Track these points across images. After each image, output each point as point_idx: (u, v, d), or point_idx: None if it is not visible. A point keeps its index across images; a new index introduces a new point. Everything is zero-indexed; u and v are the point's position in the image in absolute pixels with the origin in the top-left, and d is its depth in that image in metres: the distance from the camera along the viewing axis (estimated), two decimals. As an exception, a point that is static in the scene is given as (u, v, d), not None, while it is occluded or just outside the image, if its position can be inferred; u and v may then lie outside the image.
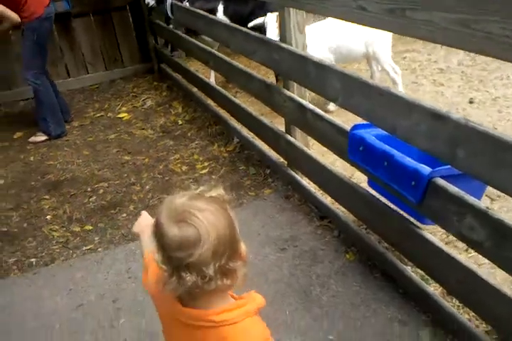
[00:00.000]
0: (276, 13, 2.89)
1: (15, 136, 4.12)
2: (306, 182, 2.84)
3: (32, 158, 3.74)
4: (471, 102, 3.81)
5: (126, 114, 4.37)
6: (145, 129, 4.05)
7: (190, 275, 0.91)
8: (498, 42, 1.26)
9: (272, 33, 3.21)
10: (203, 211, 0.92)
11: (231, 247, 0.95)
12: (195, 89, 4.29)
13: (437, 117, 1.56)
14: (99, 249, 2.63)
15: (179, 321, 1.00)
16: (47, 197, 3.19)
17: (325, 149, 2.85)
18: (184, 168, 3.39)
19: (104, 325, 2.11)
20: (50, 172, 3.51)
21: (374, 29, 1.85)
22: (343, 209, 2.54)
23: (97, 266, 2.48)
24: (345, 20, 1.89)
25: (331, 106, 3.73)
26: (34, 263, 2.56)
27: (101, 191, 3.20)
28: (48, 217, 2.97)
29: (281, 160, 3.07)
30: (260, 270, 2.35)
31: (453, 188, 1.64)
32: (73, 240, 2.73)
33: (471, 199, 1.58)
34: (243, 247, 1.01)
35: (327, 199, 2.68)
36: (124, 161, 3.57)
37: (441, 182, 1.69)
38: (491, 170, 1.42)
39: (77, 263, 2.52)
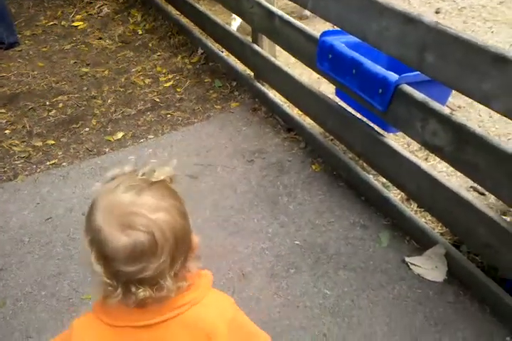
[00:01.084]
0: None
1: (-39, 47, 3.82)
2: (273, 94, 2.79)
3: (-19, 71, 3.51)
4: (437, 12, 3.74)
5: (81, 23, 4.07)
6: (103, 39, 3.81)
7: (143, 289, 0.74)
8: None
9: None
10: (157, 211, 0.72)
11: (187, 246, 0.78)
12: (154, -4, 4.00)
13: (408, 21, 1.51)
14: (64, 164, 2.58)
15: (133, 328, 0.79)
16: (3, 110, 3.04)
17: (291, 61, 2.79)
18: (147, 80, 3.26)
19: (74, 237, 2.13)
20: (4, 84, 3.31)
21: None
22: (310, 121, 2.54)
23: (63, 180, 2.46)
24: None
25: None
26: (-4, 178, 2.51)
27: (60, 105, 3.07)
28: (7, 131, 2.85)
29: (248, 72, 2.98)
30: (229, 181, 2.38)
31: (418, 94, 1.65)
32: (36, 155, 2.66)
33: (435, 104, 1.60)
34: (195, 239, 0.83)
35: (294, 112, 2.66)
36: (83, 73, 3.39)
37: (407, 88, 1.69)
38: (458, 74, 1.42)
39: (42, 178, 2.48)
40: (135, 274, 0.72)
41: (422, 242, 1.98)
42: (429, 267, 1.89)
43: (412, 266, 1.92)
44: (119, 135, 2.75)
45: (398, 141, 2.45)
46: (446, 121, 1.56)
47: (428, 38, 1.46)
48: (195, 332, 0.81)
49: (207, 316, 0.82)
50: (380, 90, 1.76)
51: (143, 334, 0.80)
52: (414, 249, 1.98)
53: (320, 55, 2.02)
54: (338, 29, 1.95)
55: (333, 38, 1.98)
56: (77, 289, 1.89)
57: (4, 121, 2.95)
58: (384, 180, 2.17)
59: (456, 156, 1.58)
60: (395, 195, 2.17)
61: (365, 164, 2.29)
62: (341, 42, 1.98)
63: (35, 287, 1.91)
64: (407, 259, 1.94)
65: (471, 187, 2.25)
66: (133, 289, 0.73)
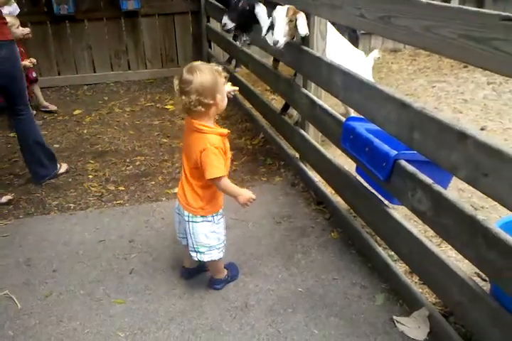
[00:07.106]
0: (287, 7, 2.78)
1: (74, 113, 4.74)
2: (311, 173, 3.23)
3: (85, 131, 4.33)
4: (482, 129, 4.09)
5: (172, 106, 4.92)
6: (184, 120, 4.56)
7: (184, 97, 1.85)
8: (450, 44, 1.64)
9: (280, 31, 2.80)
10: (201, 71, 1.86)
11: (209, 93, 1.86)
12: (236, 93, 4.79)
13: (403, 106, 1.94)
14: (127, 204, 3.11)
15: (188, 127, 2.01)
16: (92, 161, 3.74)
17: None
18: (212, 153, 3.85)
19: (118, 257, 2.57)
20: (98, 143, 4.08)
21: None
22: (339, 198, 2.90)
23: (122, 215, 2.96)
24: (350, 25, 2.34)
25: None
26: (72, 207, 3.07)
27: (137, 163, 3.71)
28: (90, 176, 3.50)
29: (295, 153, 3.48)
30: (255, 234, 2.75)
31: (411, 168, 2.01)
32: (107, 195, 3.22)
33: (422, 176, 1.94)
34: (219, 97, 1.91)
35: (326, 189, 3.05)
36: (162, 143, 4.08)
37: (403, 163, 2.05)
38: (436, 149, 1.79)
39: (107, 212, 3.00)
40: (184, 88, 1.85)
41: (414, 308, 2.16)
42: (412, 326, 2.07)
43: (397, 324, 2.10)
44: (176, 189, 3.26)
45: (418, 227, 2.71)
46: (428, 190, 1.88)
47: (415, 120, 1.87)
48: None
49: (204, 138, 1.95)
50: (384, 163, 2.14)
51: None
52: (405, 312, 2.17)
53: (344, 136, 2.48)
54: (360, 116, 2.42)
55: (355, 123, 2.44)
56: (109, 294, 2.27)
57: (90, 168, 3.62)
58: (392, 252, 2.43)
59: (434, 220, 1.87)
60: (400, 268, 2.39)
61: (378, 238, 2.57)
62: (364, 128, 2.43)
63: (77, 287, 2.31)
64: (394, 317, 2.13)
65: (476, 273, 2.43)
66: (183, 96, 1.86)
